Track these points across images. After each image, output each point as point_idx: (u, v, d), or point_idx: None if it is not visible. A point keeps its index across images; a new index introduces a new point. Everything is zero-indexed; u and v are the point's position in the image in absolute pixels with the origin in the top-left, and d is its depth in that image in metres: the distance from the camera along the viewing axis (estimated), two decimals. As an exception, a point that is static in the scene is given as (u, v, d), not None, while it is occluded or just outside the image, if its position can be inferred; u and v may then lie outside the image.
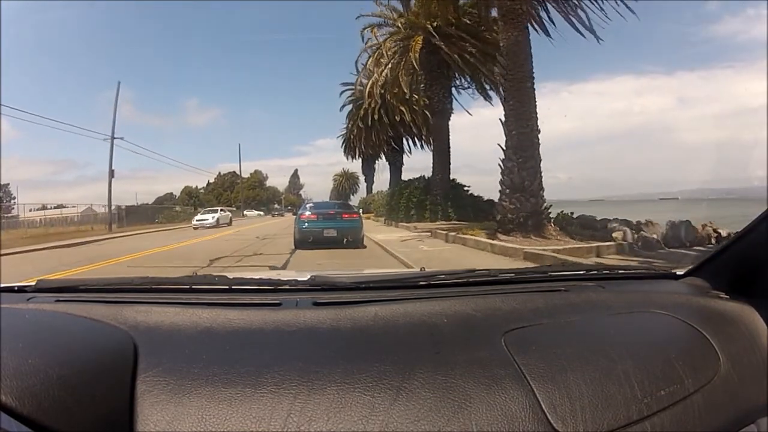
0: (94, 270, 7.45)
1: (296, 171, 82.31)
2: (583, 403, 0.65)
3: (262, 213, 53.21)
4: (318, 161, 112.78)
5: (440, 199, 17.32)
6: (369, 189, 42.91)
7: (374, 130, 26.93)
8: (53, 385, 0.55)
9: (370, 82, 19.03)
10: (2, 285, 1.03)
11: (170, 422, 0.59)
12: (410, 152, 29.72)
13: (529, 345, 0.74)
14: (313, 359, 0.69)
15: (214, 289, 0.99)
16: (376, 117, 26.13)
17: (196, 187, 67.61)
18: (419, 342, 0.75)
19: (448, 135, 17.98)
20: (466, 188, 18.87)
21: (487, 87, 17.88)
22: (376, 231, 15.41)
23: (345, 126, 43.52)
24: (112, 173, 26.21)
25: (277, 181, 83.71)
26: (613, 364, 0.71)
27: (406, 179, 20.07)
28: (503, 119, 9.94)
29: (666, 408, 0.68)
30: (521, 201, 9.94)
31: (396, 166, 29.64)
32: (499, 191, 10.16)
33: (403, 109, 24.59)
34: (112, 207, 30.06)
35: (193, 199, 65.27)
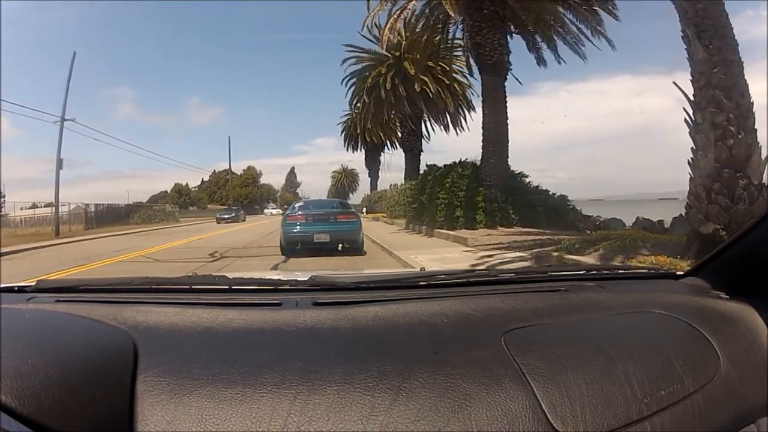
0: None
1: (293, 168, 79.48)
2: (583, 403, 0.65)
3: (276, 211, 49.45)
4: (317, 160, 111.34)
5: (497, 195, 11.76)
6: (373, 185, 37.96)
7: (386, 105, 20.25)
8: (53, 385, 0.54)
9: (391, 20, 12.58)
10: (2, 285, 1.02)
11: (170, 422, 0.58)
12: (429, 137, 23.43)
13: (529, 345, 0.74)
14: (313, 359, 0.68)
15: (214, 289, 0.98)
16: (388, 86, 19.33)
17: (187, 184, 64.70)
18: (419, 342, 0.74)
19: (505, 100, 12.37)
20: (525, 178, 13.18)
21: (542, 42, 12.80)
22: (402, 245, 9.71)
23: (346, 112, 38.10)
24: (60, 163, 20.65)
25: (275, 179, 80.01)
26: (613, 364, 0.71)
27: (445, 164, 13.60)
28: (686, 27, 5.26)
29: (666, 408, 0.68)
30: (751, 194, 4.76)
31: (413, 154, 23.27)
32: (691, 177, 5.21)
33: (425, 78, 18.86)
34: (80, 207, 26.95)
35: (183, 197, 62.82)
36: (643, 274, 1.20)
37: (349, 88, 21.78)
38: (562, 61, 12.92)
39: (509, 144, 12.33)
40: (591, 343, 0.76)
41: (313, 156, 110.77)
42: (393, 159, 54.63)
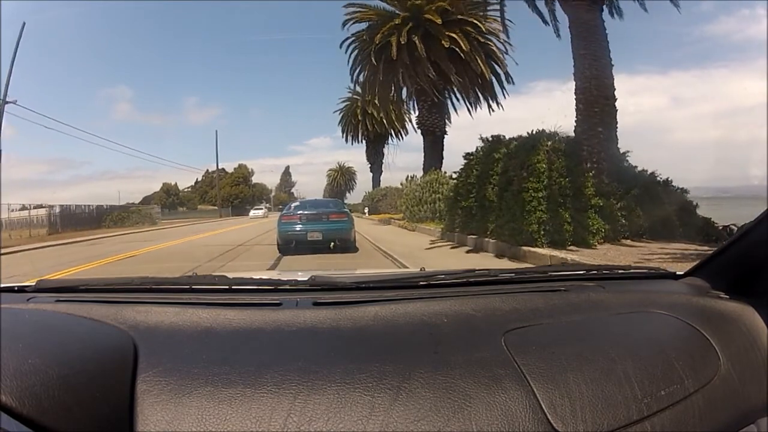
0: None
1: (287, 168, 78.28)
2: (583, 403, 0.64)
3: (261, 211, 39.66)
4: (313, 160, 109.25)
5: (612, 186, 7.32)
6: (376, 181, 33.18)
7: (401, 69, 14.87)
8: (53, 385, 0.54)
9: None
10: (2, 285, 1.02)
11: (170, 422, 0.58)
12: (449, 116, 17.56)
13: (529, 345, 0.73)
14: (313, 359, 0.68)
15: (214, 289, 0.98)
16: (403, 41, 14.15)
17: (175, 184, 61.30)
18: (419, 342, 0.74)
19: (607, 41, 7.71)
20: (634, 166, 8.25)
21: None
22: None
23: (343, 100, 33.32)
24: (-1, 153, 16.29)
25: (270, 179, 79.75)
26: (613, 364, 0.71)
27: (512, 138, 8.15)
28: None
29: (666, 408, 0.67)
30: None
31: (435, 136, 17.18)
32: None
33: (453, 35, 14.04)
34: (41, 208, 23.39)
35: (171, 198, 59.32)
36: (643, 274, 1.18)
37: (351, 53, 16.70)
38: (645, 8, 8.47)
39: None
40: (591, 343, 0.76)
41: (309, 156, 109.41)
42: (396, 156, 49.29)
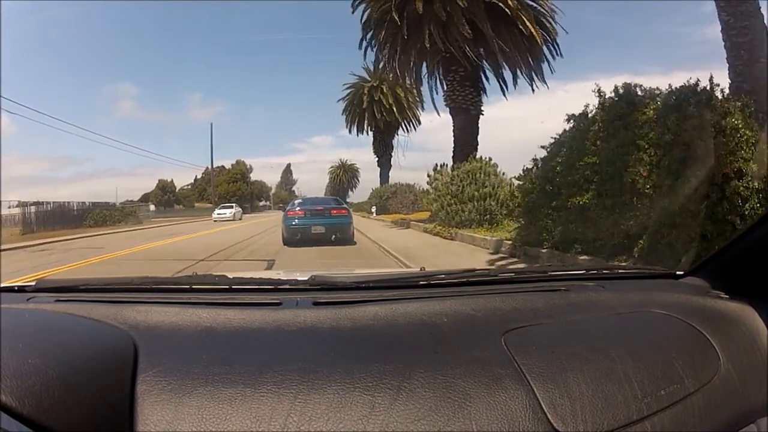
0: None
1: (288, 166, 77.90)
2: (583, 403, 0.64)
3: (230, 211, 29.87)
4: (315, 158, 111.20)
5: None
6: (384, 176, 30.09)
7: (426, 28, 11.37)
8: (53, 385, 0.54)
9: None
10: (2, 285, 1.02)
11: (170, 422, 0.58)
12: (486, 93, 13.76)
13: (529, 345, 0.73)
14: (313, 359, 0.68)
15: (214, 288, 0.98)
16: None
17: (171, 181, 59.18)
18: (419, 342, 0.74)
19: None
20: None
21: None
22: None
23: (348, 85, 30.28)
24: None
25: (270, 177, 79.38)
26: (613, 364, 0.71)
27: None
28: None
29: (666, 408, 0.67)
30: None
31: (468, 116, 13.22)
32: None
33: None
34: (15, 206, 21.37)
35: (168, 195, 58.26)
36: (643, 274, 1.19)
37: (364, 21, 13.44)
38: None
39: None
40: (591, 342, 0.76)
41: (311, 154, 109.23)
42: (406, 150, 46.30)
